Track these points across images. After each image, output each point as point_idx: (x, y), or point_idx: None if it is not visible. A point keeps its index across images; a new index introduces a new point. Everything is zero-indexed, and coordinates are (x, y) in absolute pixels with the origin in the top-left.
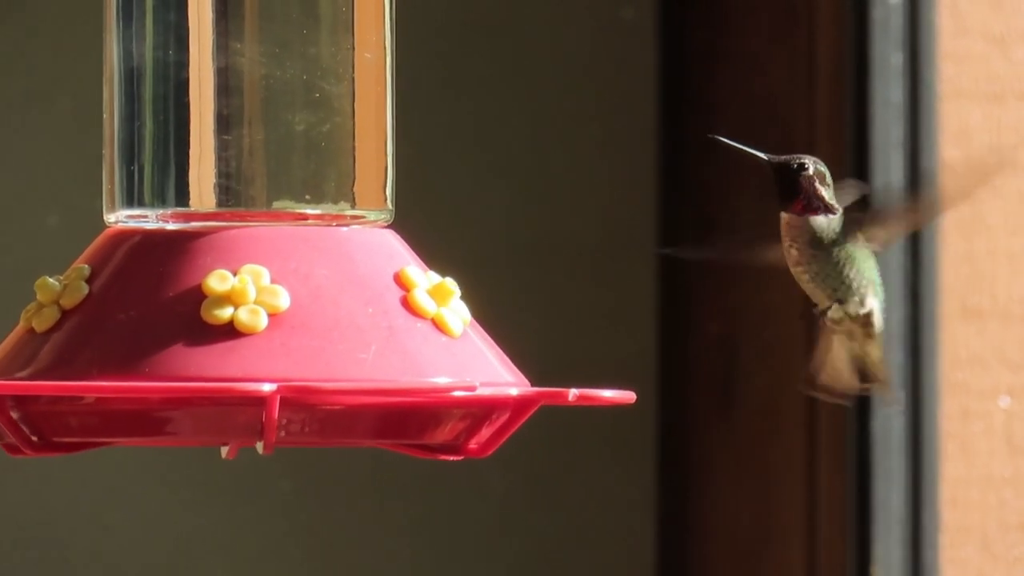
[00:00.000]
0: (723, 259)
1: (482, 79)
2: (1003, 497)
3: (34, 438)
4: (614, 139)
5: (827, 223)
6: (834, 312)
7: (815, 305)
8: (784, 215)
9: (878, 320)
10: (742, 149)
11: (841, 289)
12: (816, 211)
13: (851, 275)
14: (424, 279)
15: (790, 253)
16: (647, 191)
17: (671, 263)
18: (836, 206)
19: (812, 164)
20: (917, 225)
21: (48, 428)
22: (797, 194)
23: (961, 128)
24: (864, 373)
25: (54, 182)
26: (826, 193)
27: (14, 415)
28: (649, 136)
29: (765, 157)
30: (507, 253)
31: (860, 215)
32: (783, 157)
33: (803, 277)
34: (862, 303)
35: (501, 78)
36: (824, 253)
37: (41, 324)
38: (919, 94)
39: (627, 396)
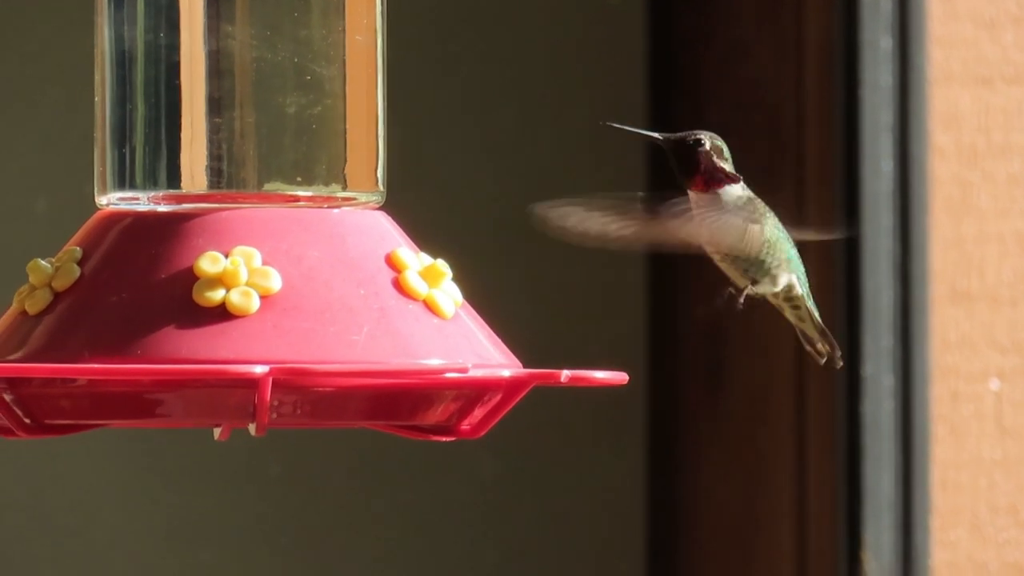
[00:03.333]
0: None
1: (472, 63)
2: (993, 480)
3: (27, 420)
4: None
5: (735, 198)
6: (753, 291)
7: (732, 286)
8: (691, 193)
9: (800, 292)
10: (638, 133)
11: (752, 269)
12: (719, 183)
13: (762, 254)
14: (416, 261)
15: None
16: (636, 176)
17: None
18: (737, 175)
19: (708, 139)
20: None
21: (40, 410)
22: (696, 170)
23: (951, 112)
24: (809, 341)
25: (44, 166)
26: (725, 165)
27: (7, 397)
28: (637, 121)
29: (660, 137)
30: (498, 235)
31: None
32: (678, 135)
33: (715, 257)
34: (774, 282)
35: (491, 62)
36: None
37: (34, 306)
38: (909, 78)
39: (619, 377)
